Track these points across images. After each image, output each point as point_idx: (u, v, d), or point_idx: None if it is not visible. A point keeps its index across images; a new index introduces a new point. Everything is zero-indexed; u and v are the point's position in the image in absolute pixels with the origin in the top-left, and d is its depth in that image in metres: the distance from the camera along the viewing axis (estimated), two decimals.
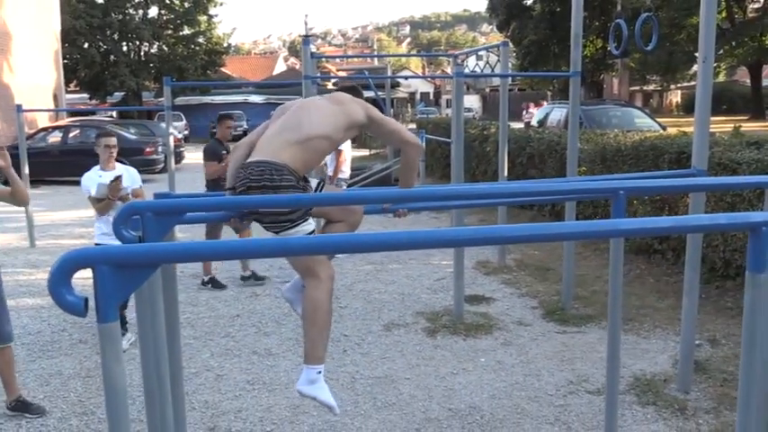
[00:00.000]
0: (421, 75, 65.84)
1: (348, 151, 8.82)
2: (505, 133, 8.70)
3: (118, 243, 3.25)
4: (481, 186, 4.12)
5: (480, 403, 4.64)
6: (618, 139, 8.86)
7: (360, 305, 6.80)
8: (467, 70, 12.80)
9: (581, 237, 1.87)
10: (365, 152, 24.73)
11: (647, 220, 1.85)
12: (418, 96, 66.33)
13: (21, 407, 4.57)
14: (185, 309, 6.65)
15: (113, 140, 6.04)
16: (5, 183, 4.57)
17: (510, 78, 9.55)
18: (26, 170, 10.11)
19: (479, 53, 9.71)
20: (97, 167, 5.99)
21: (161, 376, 2.88)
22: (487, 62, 9.65)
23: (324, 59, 42.20)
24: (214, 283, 7.50)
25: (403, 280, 7.77)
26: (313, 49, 8.63)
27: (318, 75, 9.84)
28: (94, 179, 5.82)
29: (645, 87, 53.98)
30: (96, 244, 5.83)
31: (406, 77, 31.35)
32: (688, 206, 6.64)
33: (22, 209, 9.13)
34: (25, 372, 5.29)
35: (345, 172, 8.94)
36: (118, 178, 5.70)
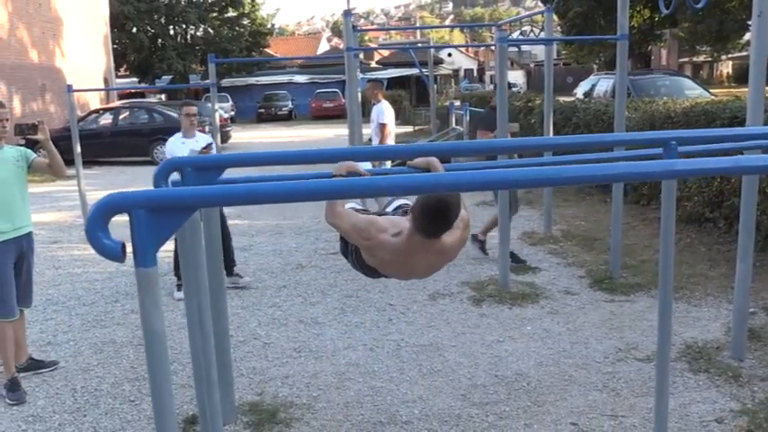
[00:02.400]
0: (463, 44, 64.94)
1: (392, 125, 8.73)
2: (551, 103, 8.51)
3: None
4: (529, 140, 3.99)
5: (527, 370, 4.57)
6: (667, 105, 8.59)
7: None
8: (512, 48, 12.52)
9: (634, 178, 1.78)
10: (409, 128, 24.58)
11: (704, 160, 1.75)
12: (462, 73, 65.65)
13: (33, 365, 4.79)
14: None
15: (194, 109, 6.47)
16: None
17: (555, 46, 9.31)
18: (78, 149, 10.26)
19: (523, 20, 9.50)
20: (179, 134, 6.42)
21: (205, 334, 2.90)
22: (532, 30, 9.41)
23: (366, 38, 41.99)
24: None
25: None
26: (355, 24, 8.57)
27: (360, 47, 9.73)
28: (178, 145, 6.24)
29: (694, 59, 52.25)
30: None
31: (448, 47, 30.88)
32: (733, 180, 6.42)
33: (76, 189, 9.38)
34: (80, 340, 5.41)
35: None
36: (208, 146, 6.22)
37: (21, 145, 4.91)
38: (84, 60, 24.39)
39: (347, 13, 7.67)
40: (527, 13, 10.53)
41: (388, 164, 8.55)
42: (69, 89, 9.37)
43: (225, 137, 20.45)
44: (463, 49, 69.82)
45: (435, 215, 2.64)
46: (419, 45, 25.73)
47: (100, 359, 5.04)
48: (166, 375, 1.61)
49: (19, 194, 4.53)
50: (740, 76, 34.55)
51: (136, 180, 13.96)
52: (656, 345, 4.75)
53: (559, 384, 4.36)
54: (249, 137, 26.34)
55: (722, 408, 3.95)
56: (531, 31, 10.10)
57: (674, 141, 2.12)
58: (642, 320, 5.37)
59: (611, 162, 1.73)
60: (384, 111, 8.50)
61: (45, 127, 4.58)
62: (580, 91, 15.49)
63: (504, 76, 6.36)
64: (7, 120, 4.53)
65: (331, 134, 25.16)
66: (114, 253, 1.49)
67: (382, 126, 8.44)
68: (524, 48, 65.49)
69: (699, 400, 4.06)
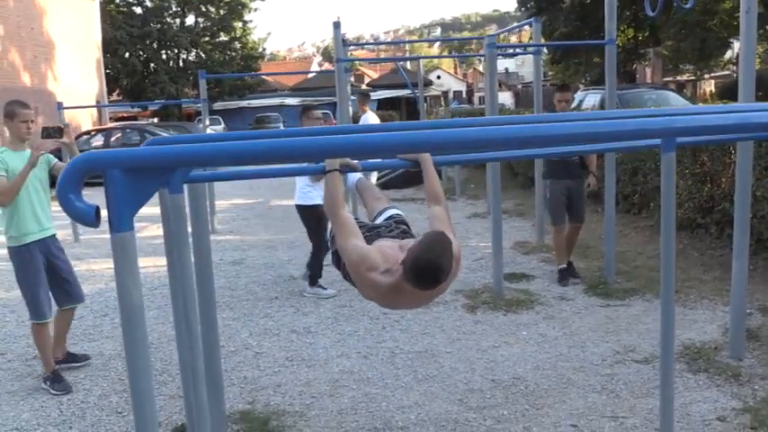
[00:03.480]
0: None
1: None
2: (540, 110, 8.45)
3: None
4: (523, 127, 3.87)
5: (524, 374, 4.44)
6: (657, 105, 8.54)
7: None
8: (500, 68, 12.48)
9: (632, 136, 1.67)
10: None
11: (706, 117, 1.65)
12: (451, 95, 65.91)
13: (69, 358, 4.93)
14: (224, 293, 6.56)
15: (317, 113, 6.72)
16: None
17: (542, 56, 9.30)
18: None
19: (511, 31, 9.49)
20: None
21: (193, 338, 2.77)
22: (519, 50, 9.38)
23: (357, 63, 42.13)
24: None
25: None
26: (346, 44, 8.51)
27: (350, 58, 9.68)
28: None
29: (678, 77, 52.70)
30: (301, 206, 6.47)
31: (438, 57, 31.01)
32: (730, 178, 6.35)
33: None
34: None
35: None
36: None
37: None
38: (77, 84, 24.28)
39: (336, 25, 7.61)
40: (516, 24, 10.53)
41: (373, 177, 8.46)
42: (60, 106, 9.27)
43: None
44: (452, 72, 70.21)
45: (425, 277, 2.50)
46: (409, 56, 25.84)
47: (87, 372, 4.87)
48: (144, 350, 1.49)
49: (44, 197, 4.66)
50: (723, 93, 34.71)
51: None
52: (653, 347, 4.67)
53: (557, 387, 4.23)
54: None
55: (724, 406, 3.82)
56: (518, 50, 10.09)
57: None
58: (638, 323, 5.25)
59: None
60: (369, 121, 8.44)
61: (70, 131, 4.59)
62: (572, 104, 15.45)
63: (494, 82, 6.29)
64: (32, 121, 4.52)
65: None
66: (87, 216, 1.37)
67: None
68: (511, 69, 65.93)
69: (700, 399, 3.94)
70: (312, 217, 6.30)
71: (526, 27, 11.26)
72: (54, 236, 4.75)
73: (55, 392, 4.47)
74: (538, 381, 4.33)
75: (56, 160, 4.80)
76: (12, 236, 4.48)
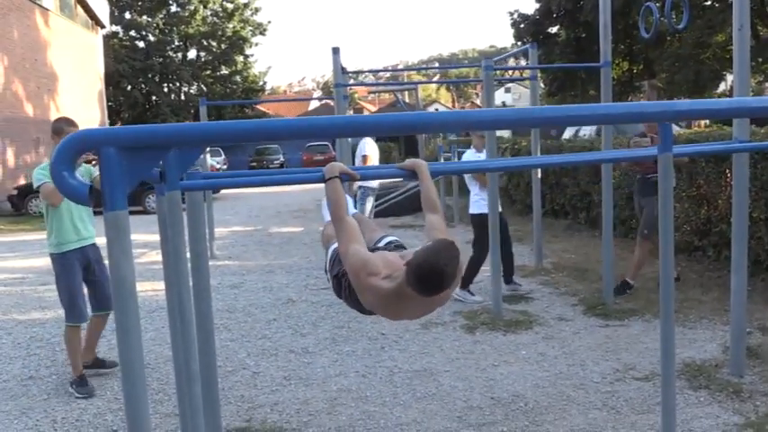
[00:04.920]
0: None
1: (375, 158, 8.62)
2: (537, 140, 8.49)
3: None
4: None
5: (524, 392, 4.37)
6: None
7: None
8: (498, 103, 12.60)
9: (635, 119, 1.66)
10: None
11: (707, 101, 1.63)
12: None
13: (98, 363, 5.10)
14: (222, 315, 6.49)
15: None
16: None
17: (538, 82, 9.37)
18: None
19: (508, 58, 9.55)
20: (471, 150, 7.24)
21: (188, 342, 2.71)
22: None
23: (356, 96, 42.41)
24: None
25: None
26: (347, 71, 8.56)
27: (348, 83, 9.72)
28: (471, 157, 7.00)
29: None
30: (474, 214, 6.90)
31: (437, 82, 31.30)
32: (727, 200, 6.34)
33: None
34: (63, 374, 5.16)
35: (373, 181, 8.69)
36: None
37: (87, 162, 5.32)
38: (79, 115, 24.35)
39: (335, 50, 7.66)
40: (512, 51, 10.62)
41: (368, 206, 8.40)
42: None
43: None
44: (449, 104, 70.71)
45: (429, 280, 2.42)
46: (407, 83, 26.06)
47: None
48: (136, 329, 1.45)
49: (84, 207, 4.81)
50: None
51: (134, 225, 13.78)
52: (653, 365, 4.62)
53: (558, 404, 4.16)
54: (241, 188, 26.27)
55: (726, 421, 3.76)
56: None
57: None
58: (638, 343, 5.19)
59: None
60: (366, 144, 8.43)
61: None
62: (566, 134, 15.59)
63: (491, 104, 6.31)
64: None
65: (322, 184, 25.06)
66: (80, 194, 1.34)
67: (364, 158, 8.36)
68: (509, 102, 66.47)
69: (701, 415, 3.87)
70: (481, 224, 6.64)
71: (522, 62, 11.41)
72: (94, 244, 4.96)
73: (78, 395, 4.63)
74: (538, 398, 4.26)
75: (98, 173, 4.82)
76: (52, 243, 4.78)
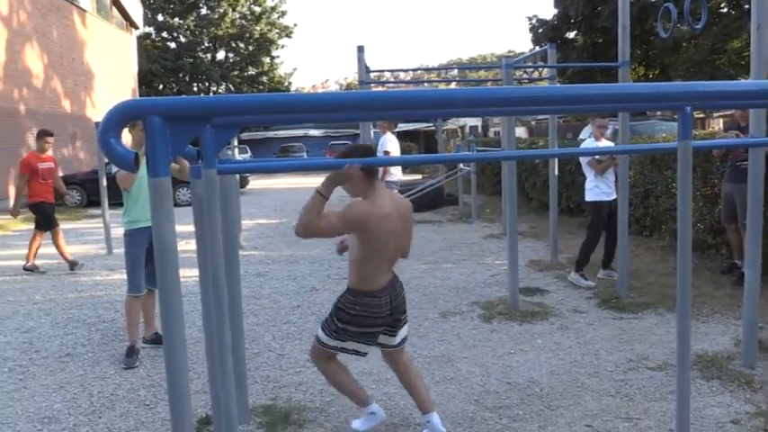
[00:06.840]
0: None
1: (396, 152, 8.62)
2: (555, 137, 8.45)
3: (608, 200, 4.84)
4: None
5: (539, 378, 4.37)
6: (667, 138, 8.50)
7: (416, 297, 6.57)
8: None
9: (652, 99, 1.64)
10: (418, 176, 24.56)
11: (724, 83, 1.63)
12: (467, 130, 66.08)
13: (158, 339, 5.23)
14: (249, 301, 6.55)
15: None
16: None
17: (557, 78, 9.31)
18: (105, 191, 10.24)
19: (527, 58, 9.51)
20: (590, 138, 7.37)
21: (221, 323, 2.75)
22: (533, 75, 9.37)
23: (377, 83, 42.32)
24: None
25: (457, 276, 7.53)
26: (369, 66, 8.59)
27: (372, 80, 9.75)
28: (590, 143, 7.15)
29: None
30: (589, 201, 6.96)
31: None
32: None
33: (101, 226, 10.71)
34: (99, 352, 5.26)
35: (395, 174, 8.72)
36: None
37: None
38: None
39: (360, 49, 7.68)
40: (530, 52, 10.58)
41: None
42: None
43: (243, 181, 20.64)
44: None
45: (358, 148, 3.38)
46: (428, 80, 26.01)
47: (117, 369, 4.87)
48: (176, 289, 1.50)
49: None
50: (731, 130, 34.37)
51: None
52: (666, 356, 4.60)
53: (572, 390, 4.16)
54: (267, 183, 26.46)
55: (737, 410, 3.73)
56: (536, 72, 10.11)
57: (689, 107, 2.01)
58: (651, 335, 5.17)
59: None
60: (388, 140, 8.45)
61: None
62: (582, 135, 15.47)
63: None
64: None
65: None
66: (126, 161, 1.38)
67: (385, 154, 8.38)
68: None
69: (713, 404, 3.85)
70: (595, 210, 6.87)
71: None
72: None
73: (123, 366, 4.86)
74: (552, 384, 4.26)
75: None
76: (125, 221, 5.14)
